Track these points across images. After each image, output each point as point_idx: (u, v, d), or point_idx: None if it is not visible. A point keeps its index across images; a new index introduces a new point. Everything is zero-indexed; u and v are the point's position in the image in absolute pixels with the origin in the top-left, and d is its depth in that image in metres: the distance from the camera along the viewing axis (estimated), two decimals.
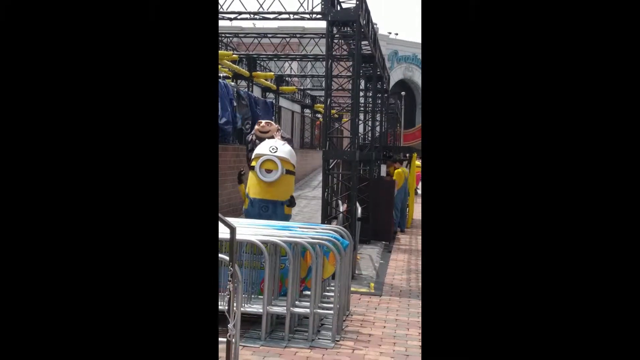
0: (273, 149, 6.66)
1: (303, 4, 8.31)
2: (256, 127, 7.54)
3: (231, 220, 3.92)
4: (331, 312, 4.69)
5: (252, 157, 6.86)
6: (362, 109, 14.56)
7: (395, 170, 11.52)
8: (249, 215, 6.60)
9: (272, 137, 6.97)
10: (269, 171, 6.53)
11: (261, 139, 7.06)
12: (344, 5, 8.02)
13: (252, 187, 6.62)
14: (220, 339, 2.72)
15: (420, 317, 5.36)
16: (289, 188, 6.71)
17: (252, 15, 8.62)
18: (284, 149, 6.69)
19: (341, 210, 8.03)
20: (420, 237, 10.49)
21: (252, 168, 6.64)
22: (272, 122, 7.58)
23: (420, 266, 7.94)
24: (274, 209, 6.59)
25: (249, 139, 7.47)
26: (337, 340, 4.59)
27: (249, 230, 4.90)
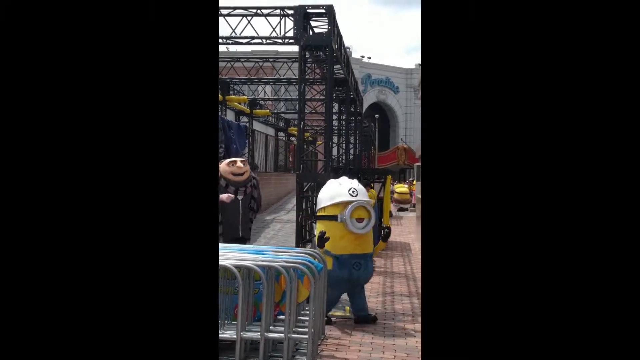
0: (353, 191, 5.62)
1: (276, 29, 8.38)
2: (225, 167, 6.28)
3: None
4: (306, 336, 4.65)
5: (329, 204, 5.66)
6: (335, 131, 14.64)
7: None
8: (336, 277, 5.54)
9: (244, 179, 6.28)
10: (360, 220, 5.54)
11: (233, 184, 6.22)
12: (317, 30, 8.10)
13: (338, 242, 5.52)
14: None
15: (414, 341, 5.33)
16: (371, 235, 5.79)
17: (224, 40, 8.66)
18: (362, 190, 5.71)
19: (315, 233, 8.01)
20: (395, 260, 10.50)
21: (333, 218, 5.54)
22: (245, 160, 6.76)
23: (395, 289, 7.94)
24: (365, 263, 5.64)
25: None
26: None
27: (222, 254, 4.85)
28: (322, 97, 9.70)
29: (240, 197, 6.36)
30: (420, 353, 4.97)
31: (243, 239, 6.30)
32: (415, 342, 5.33)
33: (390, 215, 15.64)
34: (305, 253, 5.35)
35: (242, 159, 6.66)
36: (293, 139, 23.31)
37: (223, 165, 6.33)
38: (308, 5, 7.96)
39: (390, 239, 13.28)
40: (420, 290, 7.86)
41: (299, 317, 5.20)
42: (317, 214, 5.88)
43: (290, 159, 24.00)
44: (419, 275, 9.07)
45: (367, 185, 11.96)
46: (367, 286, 8.09)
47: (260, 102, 19.36)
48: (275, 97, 22.53)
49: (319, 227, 5.76)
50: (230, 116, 15.69)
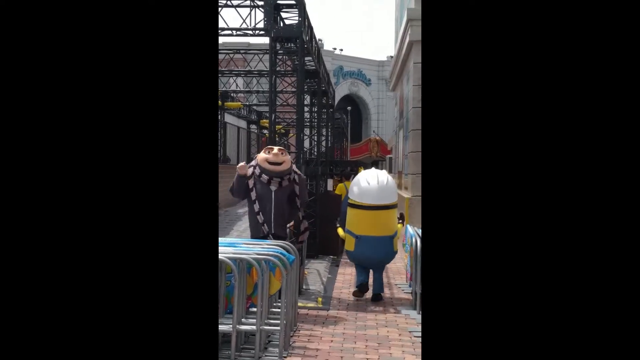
0: (380, 194, 6.52)
1: (246, 20, 8.33)
2: (261, 154, 5.80)
3: None
4: (278, 328, 4.66)
5: (357, 200, 6.51)
6: (307, 124, 14.62)
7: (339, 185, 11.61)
8: (356, 255, 6.59)
9: (280, 170, 5.68)
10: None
11: (267, 173, 5.67)
12: (287, 22, 8.07)
13: (359, 223, 6.50)
14: None
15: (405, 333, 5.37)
16: (392, 217, 6.72)
17: None
18: (389, 187, 6.61)
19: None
20: None
21: (359, 207, 6.47)
22: (284, 150, 6.00)
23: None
24: (385, 245, 6.53)
25: (247, 174, 5.74)
26: (285, 357, 4.57)
27: None
28: (293, 89, 9.68)
29: (273, 187, 5.69)
30: (390, 342, 5.03)
31: (276, 237, 5.62)
32: (387, 331, 5.39)
33: None
34: (276, 245, 5.36)
35: (282, 148, 5.93)
36: (265, 131, 23.24)
37: (260, 153, 5.89)
38: None
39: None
40: (392, 281, 7.93)
41: (271, 309, 5.21)
42: (349, 202, 6.71)
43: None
44: (390, 265, 9.15)
45: (348, 178, 12.00)
46: (339, 277, 8.14)
47: (232, 94, 19.24)
48: (247, 90, 22.41)
49: (348, 214, 6.68)
50: None
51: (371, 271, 6.78)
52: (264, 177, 5.70)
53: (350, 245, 6.63)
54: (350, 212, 6.70)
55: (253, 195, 5.76)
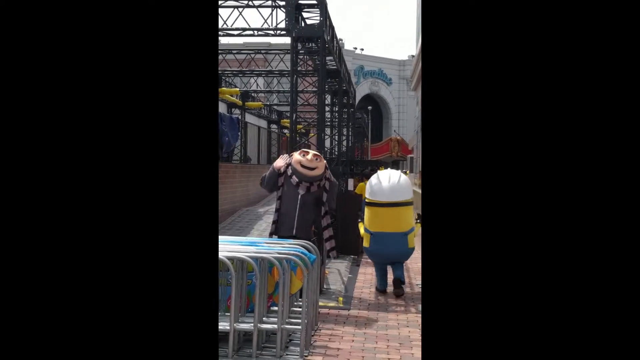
0: (392, 191, 6.84)
1: (267, 21, 8.35)
2: (297, 155, 5.80)
3: None
4: (299, 327, 4.66)
5: (369, 198, 6.94)
6: (328, 123, 14.62)
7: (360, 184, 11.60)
8: (371, 251, 6.95)
9: (312, 175, 5.65)
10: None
11: (298, 175, 5.67)
12: (308, 22, 8.09)
13: (373, 220, 6.86)
14: None
15: (416, 332, 5.35)
16: (408, 215, 7.04)
17: None
18: (401, 186, 6.94)
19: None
20: None
21: (372, 204, 6.83)
22: (321, 156, 5.93)
23: (388, 279, 7.96)
24: (398, 241, 6.79)
25: (281, 168, 5.79)
26: (306, 356, 4.57)
27: None
28: (314, 89, 9.69)
29: (301, 191, 5.70)
30: (412, 342, 5.01)
31: (298, 239, 5.53)
32: (408, 331, 5.37)
33: None
34: (298, 244, 5.37)
35: (318, 154, 5.83)
36: (286, 131, 23.28)
37: (296, 153, 5.83)
38: None
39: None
40: (412, 281, 7.89)
41: (292, 309, 5.22)
42: (365, 200, 7.24)
43: (283, 152, 23.97)
44: (411, 265, 9.11)
45: (368, 177, 11.98)
46: (360, 277, 8.13)
47: (253, 94, 19.31)
48: (267, 89, 22.47)
49: (365, 212, 7.18)
50: (222, 109, 15.65)
51: (389, 268, 7.04)
52: (294, 178, 5.70)
53: (366, 241, 6.98)
54: (366, 210, 7.07)
55: (279, 193, 5.79)
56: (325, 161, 5.98)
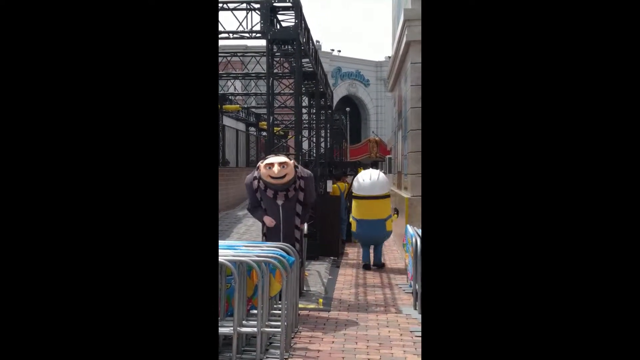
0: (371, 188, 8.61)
1: (242, 23, 8.33)
2: (263, 170, 5.75)
3: None
4: (279, 330, 4.66)
5: (355, 192, 8.70)
6: (306, 125, 14.62)
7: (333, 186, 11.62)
8: (358, 234, 8.82)
9: (284, 183, 5.71)
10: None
11: (272, 187, 5.73)
12: (284, 24, 8.08)
13: (358, 210, 8.67)
14: None
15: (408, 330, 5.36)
16: (385, 205, 8.82)
17: None
18: (379, 183, 8.65)
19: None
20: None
21: (358, 197, 8.66)
22: (287, 160, 5.90)
23: (367, 280, 7.99)
24: (378, 226, 8.58)
25: (253, 184, 5.85)
26: (286, 358, 4.57)
27: None
28: (291, 91, 9.68)
29: (280, 202, 5.79)
30: (391, 342, 5.03)
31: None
32: (388, 332, 5.39)
33: None
34: (276, 247, 5.36)
35: (283, 161, 5.78)
36: (264, 133, 23.24)
37: (262, 167, 5.78)
38: None
39: None
40: (392, 281, 7.93)
41: (271, 311, 5.21)
42: (352, 194, 9.04)
43: (262, 154, 23.93)
44: (390, 266, 9.16)
45: (339, 179, 12.00)
46: (340, 278, 8.16)
47: (230, 97, 19.24)
48: (245, 92, 22.40)
49: (352, 204, 9.03)
50: None
51: (371, 248, 8.90)
52: (270, 191, 5.84)
53: (354, 227, 8.90)
54: (353, 202, 8.94)
55: (263, 206, 5.94)
56: (292, 160, 6.01)
